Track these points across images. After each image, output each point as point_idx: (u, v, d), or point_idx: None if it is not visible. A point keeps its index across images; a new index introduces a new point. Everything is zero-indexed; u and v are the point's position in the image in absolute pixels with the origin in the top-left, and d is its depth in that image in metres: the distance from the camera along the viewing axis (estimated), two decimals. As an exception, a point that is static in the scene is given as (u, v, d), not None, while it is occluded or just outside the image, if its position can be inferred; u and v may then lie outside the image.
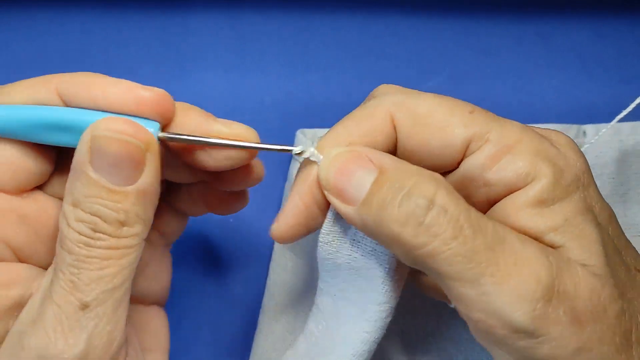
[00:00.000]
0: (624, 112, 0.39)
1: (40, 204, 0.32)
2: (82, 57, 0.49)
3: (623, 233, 0.31)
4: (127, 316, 0.30)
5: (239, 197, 0.37)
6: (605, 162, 0.46)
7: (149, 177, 0.29)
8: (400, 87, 0.33)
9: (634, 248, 0.31)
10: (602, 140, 0.46)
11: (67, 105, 0.30)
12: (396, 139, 0.31)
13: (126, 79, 0.48)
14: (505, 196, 0.29)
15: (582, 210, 0.28)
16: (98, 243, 0.28)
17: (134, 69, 0.49)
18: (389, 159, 0.29)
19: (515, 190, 0.29)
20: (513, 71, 0.50)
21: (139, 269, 0.33)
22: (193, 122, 0.31)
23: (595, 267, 0.27)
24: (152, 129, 0.29)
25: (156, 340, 0.36)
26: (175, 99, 0.48)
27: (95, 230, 0.28)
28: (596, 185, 0.30)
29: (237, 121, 0.48)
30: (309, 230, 0.32)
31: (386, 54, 0.50)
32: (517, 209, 0.28)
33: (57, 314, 0.28)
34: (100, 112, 0.30)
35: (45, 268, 0.31)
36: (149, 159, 0.29)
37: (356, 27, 0.50)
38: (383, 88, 0.33)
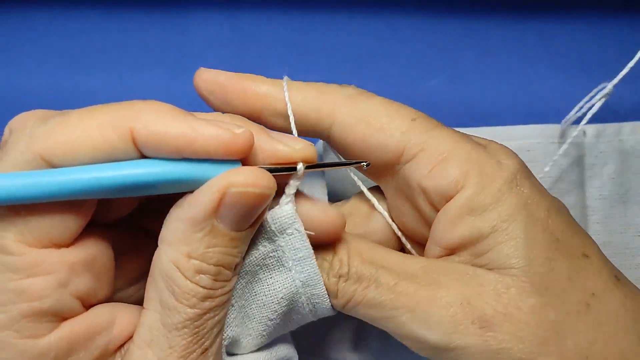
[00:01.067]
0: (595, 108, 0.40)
1: (92, 246, 0.29)
2: (82, 57, 0.49)
3: (569, 220, 0.32)
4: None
5: None
6: (606, 162, 0.46)
7: (264, 215, 0.29)
8: (358, 89, 0.35)
9: (584, 233, 0.32)
10: (602, 140, 0.46)
11: (141, 151, 0.27)
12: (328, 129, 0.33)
13: (126, 79, 0.49)
14: (443, 203, 0.31)
15: (511, 212, 0.30)
16: (219, 292, 0.28)
17: (134, 69, 0.49)
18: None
19: (449, 199, 0.31)
20: (513, 71, 0.50)
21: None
22: (261, 144, 0.29)
23: (513, 269, 0.29)
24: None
25: None
26: (176, 99, 0.49)
27: (217, 280, 0.28)
28: (534, 179, 0.32)
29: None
30: None
31: (386, 54, 0.50)
32: (452, 218, 0.31)
33: None
34: (184, 162, 0.27)
35: (100, 299, 0.30)
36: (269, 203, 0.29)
37: (356, 27, 0.50)
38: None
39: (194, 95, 0.49)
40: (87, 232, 0.29)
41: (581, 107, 0.44)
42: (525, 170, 0.32)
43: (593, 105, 0.42)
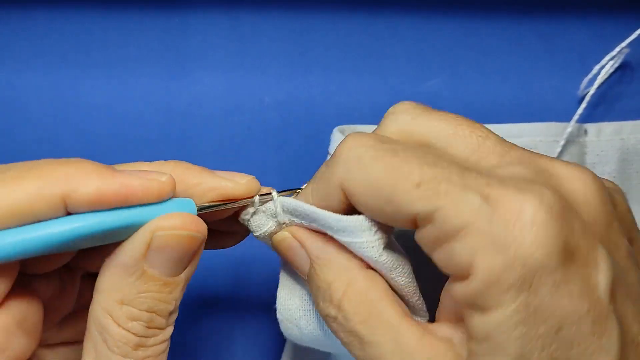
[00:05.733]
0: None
1: (23, 303, 0.29)
2: (82, 57, 0.49)
3: (583, 337, 0.25)
4: None
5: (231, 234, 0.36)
6: (607, 160, 0.46)
7: (197, 261, 0.29)
8: (364, 140, 0.29)
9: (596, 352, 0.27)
10: (603, 139, 0.46)
11: (68, 210, 0.27)
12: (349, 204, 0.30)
13: (126, 78, 0.49)
14: (451, 279, 0.27)
15: (510, 325, 0.25)
16: (151, 341, 0.28)
17: (134, 69, 0.49)
18: (319, 249, 0.31)
19: (456, 280, 0.26)
20: (513, 71, 0.50)
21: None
22: (203, 184, 0.31)
23: None
24: (191, 207, 0.30)
25: None
26: (175, 99, 0.49)
27: (149, 327, 0.28)
28: (564, 272, 0.25)
29: (237, 123, 0.48)
30: None
31: (386, 54, 0.50)
32: (456, 303, 0.27)
33: None
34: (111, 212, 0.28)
35: (30, 353, 0.29)
36: (201, 247, 0.29)
37: (356, 27, 0.50)
38: (348, 142, 0.30)
39: (193, 94, 0.49)
40: (16, 288, 0.29)
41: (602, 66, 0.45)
42: (554, 259, 0.25)
43: (609, 61, 0.43)
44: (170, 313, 0.29)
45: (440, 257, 0.27)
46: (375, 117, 0.48)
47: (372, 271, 0.30)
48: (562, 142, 0.44)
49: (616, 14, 0.50)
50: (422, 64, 0.50)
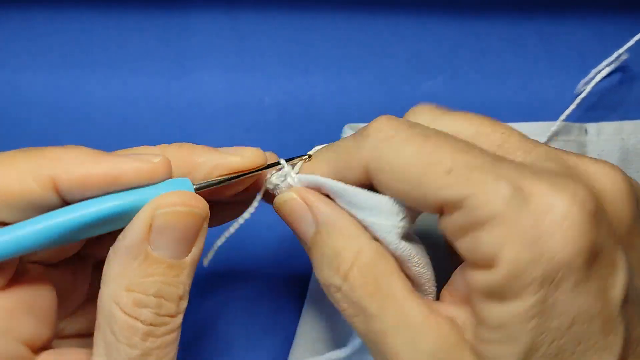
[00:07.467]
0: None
1: (31, 287, 0.29)
2: (82, 57, 0.49)
3: (592, 329, 0.26)
4: None
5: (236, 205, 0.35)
6: (607, 160, 0.46)
7: (202, 243, 0.29)
8: (395, 122, 0.29)
9: (607, 340, 0.27)
10: (604, 139, 0.46)
11: (64, 199, 0.27)
12: (369, 183, 0.30)
13: (126, 78, 0.49)
14: (474, 268, 0.27)
15: (525, 319, 0.25)
16: (161, 330, 0.27)
17: (134, 69, 0.49)
18: (328, 214, 0.30)
19: (479, 269, 0.26)
20: (513, 71, 0.50)
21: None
22: (209, 161, 0.31)
23: None
24: (188, 186, 0.29)
25: None
26: (175, 99, 0.49)
27: (159, 314, 0.27)
28: (597, 265, 0.25)
29: (237, 123, 0.48)
30: None
31: (386, 54, 0.50)
32: (471, 289, 0.27)
33: None
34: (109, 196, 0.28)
35: (46, 340, 0.29)
36: (204, 226, 0.28)
37: (356, 27, 0.50)
38: (378, 122, 0.30)
39: (193, 94, 0.49)
40: (25, 272, 0.29)
41: (592, 77, 0.45)
42: (581, 258, 0.24)
43: (602, 70, 0.43)
44: (180, 298, 0.28)
45: (464, 246, 0.26)
46: (375, 117, 0.48)
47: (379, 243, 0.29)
48: (552, 142, 0.44)
49: (616, 15, 0.50)
50: (422, 64, 0.50)
